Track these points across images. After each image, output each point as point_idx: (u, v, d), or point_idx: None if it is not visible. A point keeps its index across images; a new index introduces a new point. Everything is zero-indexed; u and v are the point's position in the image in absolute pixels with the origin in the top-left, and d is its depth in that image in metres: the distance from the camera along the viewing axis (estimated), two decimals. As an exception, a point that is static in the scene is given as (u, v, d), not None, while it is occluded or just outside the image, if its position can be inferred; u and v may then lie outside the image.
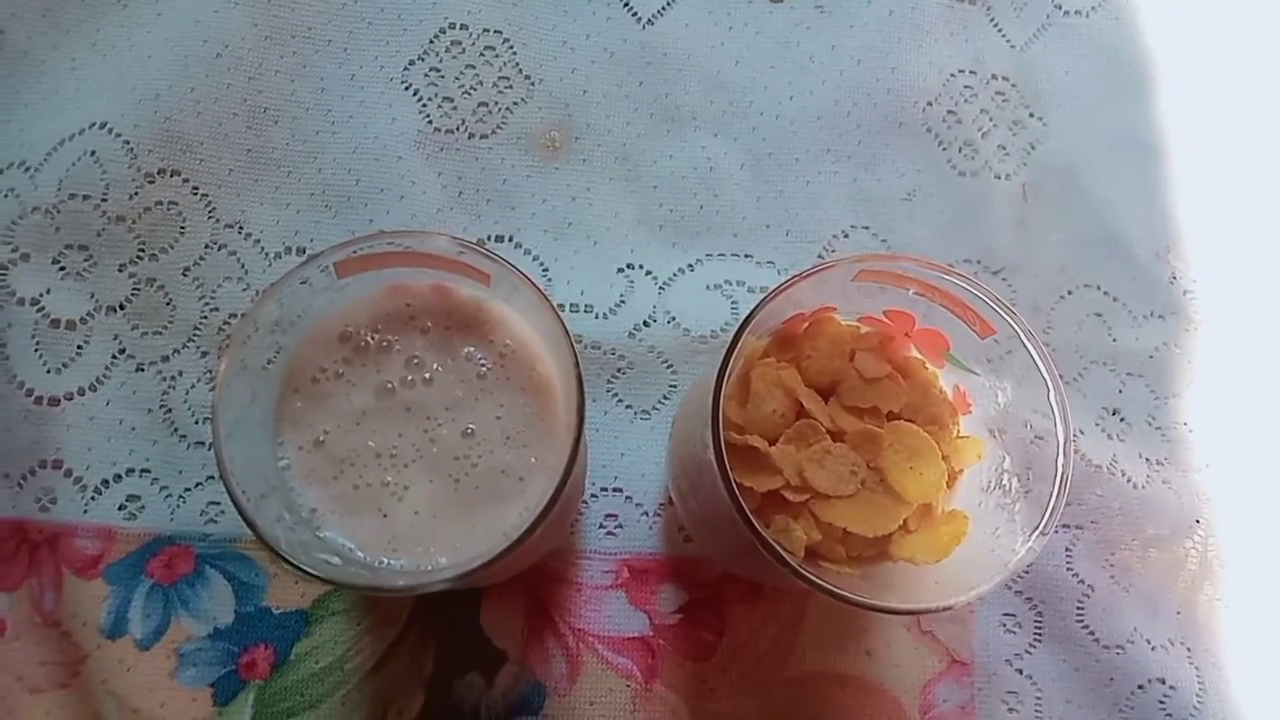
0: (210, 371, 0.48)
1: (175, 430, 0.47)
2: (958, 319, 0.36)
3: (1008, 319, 0.34)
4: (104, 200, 0.48)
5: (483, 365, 0.35)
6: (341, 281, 0.33)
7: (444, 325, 0.35)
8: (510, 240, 0.50)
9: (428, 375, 0.34)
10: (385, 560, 0.33)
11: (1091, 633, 0.46)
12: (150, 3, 0.51)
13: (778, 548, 0.31)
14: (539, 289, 0.32)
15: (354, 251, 0.32)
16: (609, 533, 0.47)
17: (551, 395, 0.34)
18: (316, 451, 0.34)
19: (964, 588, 0.32)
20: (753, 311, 0.32)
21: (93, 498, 0.46)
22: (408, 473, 0.34)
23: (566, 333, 0.31)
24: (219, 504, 0.46)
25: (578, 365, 0.31)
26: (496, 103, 0.52)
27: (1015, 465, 0.36)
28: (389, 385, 0.34)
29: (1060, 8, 0.55)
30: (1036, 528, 0.32)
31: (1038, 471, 0.34)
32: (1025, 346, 0.34)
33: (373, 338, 0.35)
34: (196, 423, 0.47)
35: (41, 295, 0.48)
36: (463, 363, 0.35)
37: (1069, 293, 0.52)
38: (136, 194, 0.49)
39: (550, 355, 0.35)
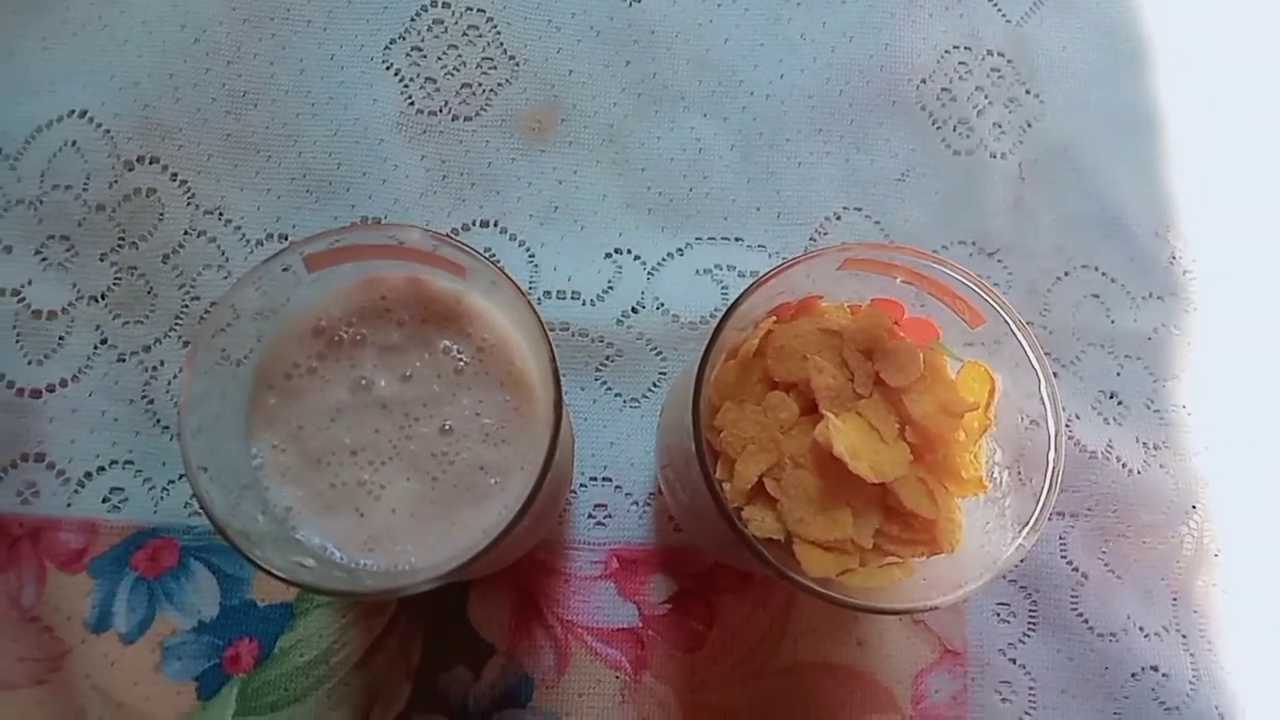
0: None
1: (158, 421, 0.46)
2: (947, 308, 0.35)
3: (998, 308, 0.33)
4: (85, 189, 0.48)
5: (460, 359, 0.34)
6: (313, 274, 0.32)
7: (420, 318, 0.34)
8: (495, 225, 0.49)
9: (405, 371, 0.34)
10: (363, 560, 0.32)
11: (1086, 621, 0.46)
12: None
13: (758, 545, 0.30)
14: (514, 282, 0.31)
15: (333, 243, 0.31)
16: (598, 523, 0.46)
17: (531, 390, 0.34)
18: (291, 449, 0.33)
19: (953, 585, 0.32)
20: (732, 306, 0.31)
21: (76, 490, 0.45)
22: (385, 470, 0.33)
23: (543, 326, 0.30)
24: (203, 496, 0.46)
25: (554, 360, 0.30)
26: (480, 84, 0.51)
27: (1006, 458, 0.35)
28: (364, 381, 0.33)
29: (1059, -20, 0.54)
30: (1027, 524, 0.32)
31: (1028, 465, 0.33)
32: (1016, 337, 0.33)
33: (347, 332, 0.34)
34: (179, 414, 0.46)
35: (23, 286, 0.47)
36: (440, 357, 0.34)
37: (1066, 274, 0.50)
38: (116, 182, 0.48)
39: (529, 349, 0.34)
